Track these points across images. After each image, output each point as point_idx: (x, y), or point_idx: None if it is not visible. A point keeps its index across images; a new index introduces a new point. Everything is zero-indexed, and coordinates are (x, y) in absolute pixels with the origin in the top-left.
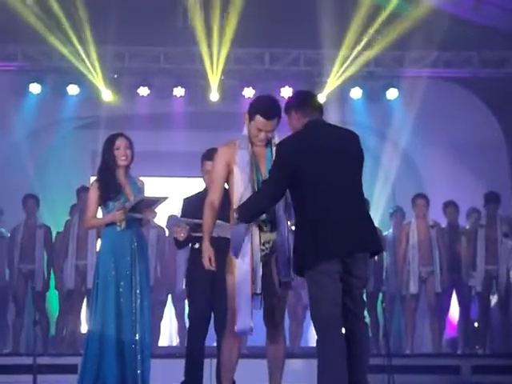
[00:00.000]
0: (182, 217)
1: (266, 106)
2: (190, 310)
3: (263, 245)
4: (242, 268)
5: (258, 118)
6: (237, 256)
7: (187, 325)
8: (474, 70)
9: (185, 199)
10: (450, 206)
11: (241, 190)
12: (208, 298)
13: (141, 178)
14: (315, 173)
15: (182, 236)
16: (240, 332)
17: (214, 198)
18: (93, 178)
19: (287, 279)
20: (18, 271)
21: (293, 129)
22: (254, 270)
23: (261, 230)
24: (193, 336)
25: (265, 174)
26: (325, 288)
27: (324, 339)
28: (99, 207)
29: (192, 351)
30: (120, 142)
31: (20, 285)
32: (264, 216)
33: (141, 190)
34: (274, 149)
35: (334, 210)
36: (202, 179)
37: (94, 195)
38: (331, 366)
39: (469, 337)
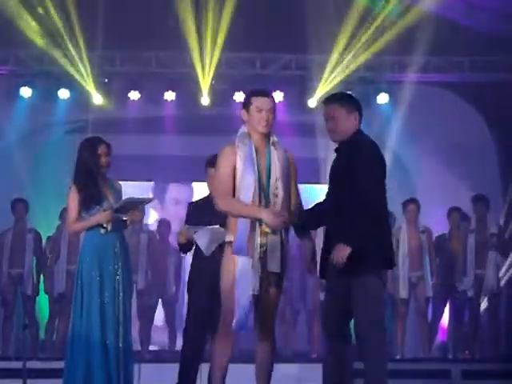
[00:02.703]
0: (186, 221)
1: (257, 89)
2: (188, 313)
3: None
4: (243, 265)
5: (256, 99)
6: (238, 253)
7: (177, 329)
8: (464, 74)
9: (189, 204)
10: (455, 212)
11: (248, 193)
12: (208, 302)
13: (120, 182)
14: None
15: (182, 240)
16: (237, 329)
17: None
18: None
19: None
20: (8, 275)
21: (341, 126)
22: (253, 271)
23: (262, 232)
24: (189, 338)
25: (265, 172)
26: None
27: (383, 332)
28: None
29: (188, 352)
30: (102, 150)
31: (9, 289)
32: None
33: (119, 192)
34: (273, 149)
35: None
36: (192, 184)
37: (74, 200)
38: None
39: (459, 341)
